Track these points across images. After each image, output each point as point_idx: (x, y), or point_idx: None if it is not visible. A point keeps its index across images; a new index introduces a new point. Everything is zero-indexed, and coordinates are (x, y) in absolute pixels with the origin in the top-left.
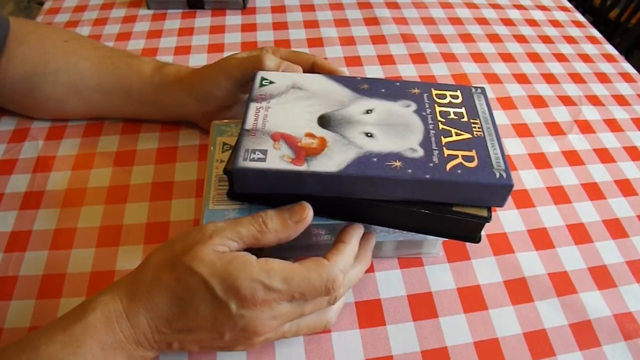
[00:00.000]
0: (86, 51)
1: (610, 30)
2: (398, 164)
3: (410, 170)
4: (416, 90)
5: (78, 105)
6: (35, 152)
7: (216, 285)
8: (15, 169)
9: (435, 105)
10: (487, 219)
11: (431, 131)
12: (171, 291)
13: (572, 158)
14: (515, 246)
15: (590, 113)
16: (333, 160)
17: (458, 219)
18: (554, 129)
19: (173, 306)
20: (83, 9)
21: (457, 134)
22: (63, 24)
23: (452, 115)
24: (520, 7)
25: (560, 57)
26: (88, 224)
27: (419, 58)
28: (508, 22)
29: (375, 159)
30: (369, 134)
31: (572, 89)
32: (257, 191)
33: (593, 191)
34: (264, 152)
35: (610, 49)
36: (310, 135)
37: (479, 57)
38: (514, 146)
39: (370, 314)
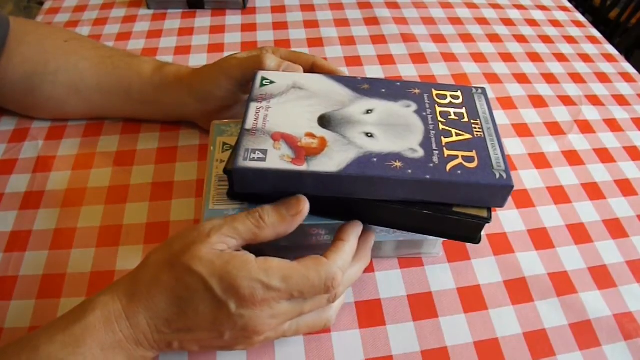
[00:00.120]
0: (86, 51)
1: (610, 30)
2: (398, 164)
3: (410, 171)
4: (416, 91)
5: (78, 105)
6: (35, 152)
7: (215, 284)
8: (15, 169)
9: (436, 105)
10: (487, 220)
11: (431, 131)
12: (170, 291)
13: (572, 158)
14: (515, 246)
15: (590, 113)
16: (333, 160)
17: (458, 219)
18: (554, 129)
19: (172, 306)
20: (83, 9)
21: (457, 135)
22: (63, 24)
23: (452, 116)
24: (520, 7)
25: (560, 57)
26: (88, 224)
27: (419, 58)
28: (508, 22)
29: (375, 159)
30: (369, 134)
31: (572, 89)
32: (257, 191)
33: (593, 191)
34: (264, 152)
35: (610, 49)
36: (310, 135)
37: (479, 57)
38: (514, 146)
39: (370, 314)
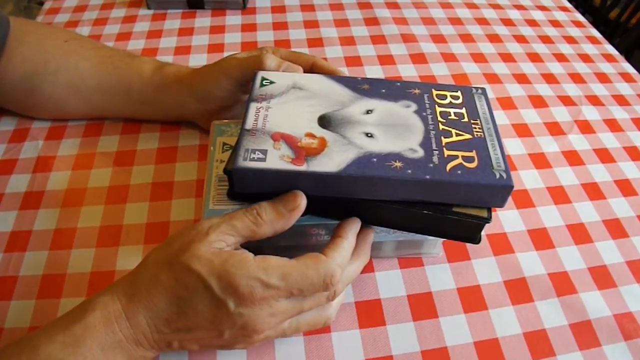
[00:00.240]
0: (86, 51)
1: (610, 30)
2: (398, 164)
3: (410, 171)
4: (417, 91)
5: (78, 105)
6: (35, 152)
7: (214, 283)
8: (15, 169)
9: (436, 105)
10: (487, 220)
11: (431, 132)
12: (170, 290)
13: (572, 158)
14: (515, 246)
15: (590, 113)
16: (333, 160)
17: (458, 219)
18: (554, 129)
19: (172, 305)
20: (83, 9)
21: (457, 135)
22: (63, 24)
23: (452, 116)
24: (520, 7)
25: (560, 57)
26: (88, 224)
27: (419, 58)
28: (508, 22)
29: (375, 159)
30: (369, 134)
31: (572, 89)
32: (257, 191)
33: (593, 191)
34: (264, 152)
35: (610, 49)
36: (310, 135)
37: (479, 57)
38: (514, 146)
39: (370, 314)
